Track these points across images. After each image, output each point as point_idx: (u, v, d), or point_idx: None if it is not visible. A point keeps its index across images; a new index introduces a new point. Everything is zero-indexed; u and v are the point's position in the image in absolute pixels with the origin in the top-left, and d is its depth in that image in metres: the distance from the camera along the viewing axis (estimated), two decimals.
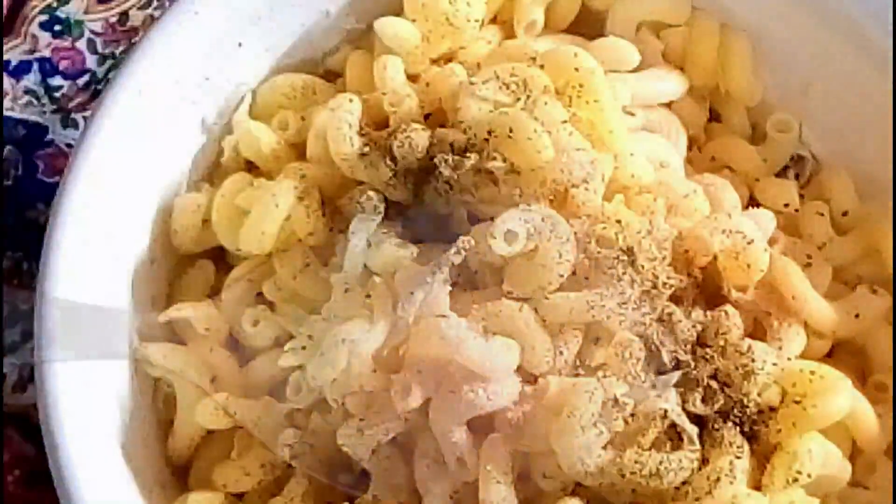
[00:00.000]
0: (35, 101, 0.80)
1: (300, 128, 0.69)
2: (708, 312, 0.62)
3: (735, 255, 0.63)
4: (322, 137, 0.66)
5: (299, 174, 0.66)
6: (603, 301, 0.61)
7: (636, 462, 0.58)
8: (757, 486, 0.60)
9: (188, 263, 0.69)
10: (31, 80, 0.81)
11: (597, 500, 0.60)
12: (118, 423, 0.63)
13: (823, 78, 0.71)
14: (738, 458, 0.60)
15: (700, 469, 0.59)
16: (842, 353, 0.68)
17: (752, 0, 0.72)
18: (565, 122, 0.63)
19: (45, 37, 0.82)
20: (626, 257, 0.62)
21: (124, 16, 0.83)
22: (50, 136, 0.80)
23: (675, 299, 0.62)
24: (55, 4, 0.83)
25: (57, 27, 0.82)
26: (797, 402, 0.61)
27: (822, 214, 0.70)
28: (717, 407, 0.61)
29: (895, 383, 0.66)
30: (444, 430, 0.59)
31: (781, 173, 0.74)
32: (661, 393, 0.60)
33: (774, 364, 0.62)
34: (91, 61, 0.82)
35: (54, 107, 0.80)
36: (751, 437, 0.61)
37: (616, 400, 0.59)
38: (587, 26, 0.74)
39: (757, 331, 0.64)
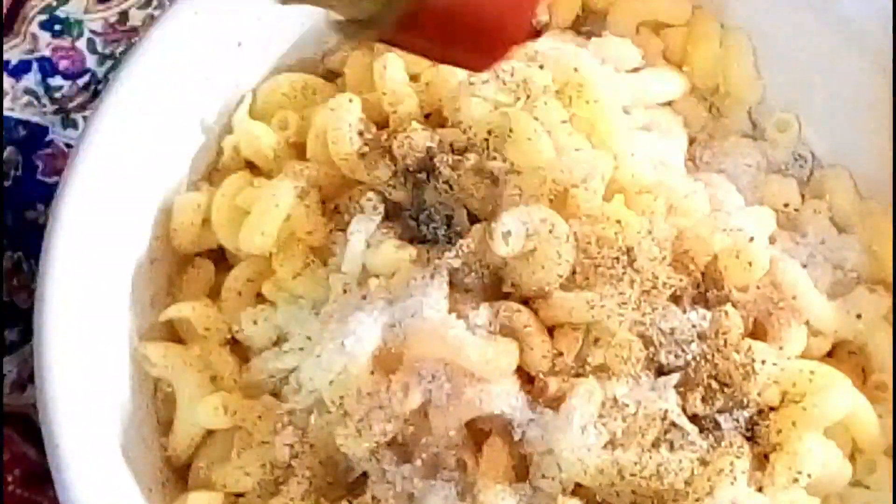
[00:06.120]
0: (35, 101, 0.80)
1: (300, 128, 0.69)
2: (708, 312, 0.62)
3: (736, 254, 0.63)
4: (322, 137, 0.66)
5: (299, 174, 0.66)
6: (603, 301, 0.60)
7: (636, 462, 0.58)
8: (758, 487, 0.60)
9: (188, 263, 0.69)
10: (31, 79, 0.81)
11: (597, 500, 0.60)
12: (118, 423, 0.63)
13: (823, 78, 0.71)
14: (738, 458, 0.60)
15: (700, 469, 0.59)
16: (842, 352, 0.68)
17: (752, 0, 0.72)
18: (565, 122, 0.64)
19: (45, 36, 0.82)
20: (626, 257, 0.61)
21: (124, 15, 0.83)
22: (50, 136, 0.80)
23: (675, 299, 0.62)
24: (55, 4, 0.82)
25: (57, 27, 0.82)
26: (797, 402, 0.61)
27: (822, 213, 0.71)
28: (717, 407, 0.61)
29: (895, 383, 0.66)
30: (444, 430, 0.59)
31: (782, 172, 0.74)
32: (661, 393, 0.60)
33: (774, 364, 0.62)
34: (91, 61, 0.82)
35: (54, 107, 0.80)
36: (751, 437, 0.61)
37: (616, 400, 0.59)
38: (587, 26, 0.74)
39: (757, 331, 0.64)
